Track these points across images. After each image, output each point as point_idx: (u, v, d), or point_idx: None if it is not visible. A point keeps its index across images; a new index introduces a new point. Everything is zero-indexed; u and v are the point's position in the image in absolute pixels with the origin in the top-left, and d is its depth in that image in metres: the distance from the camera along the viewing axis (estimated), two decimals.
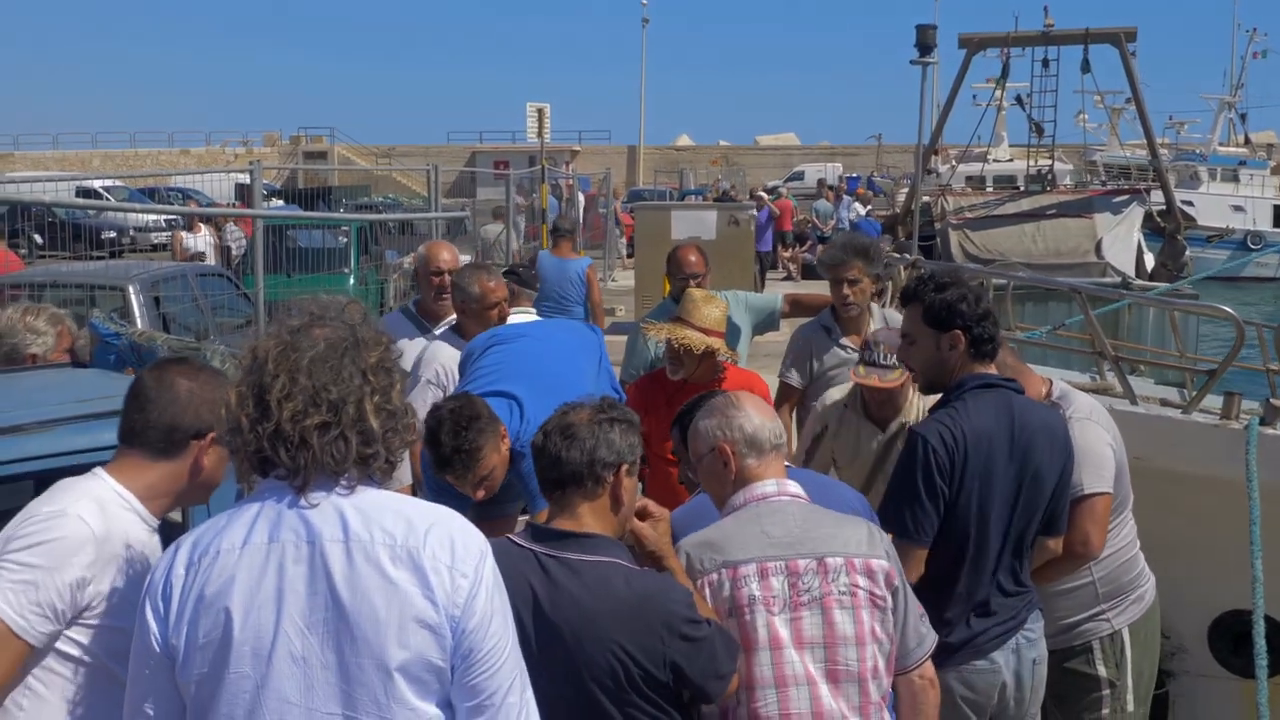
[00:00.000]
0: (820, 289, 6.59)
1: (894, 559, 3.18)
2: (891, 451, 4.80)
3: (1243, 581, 4.67)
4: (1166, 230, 29.33)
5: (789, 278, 26.07)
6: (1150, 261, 28.45)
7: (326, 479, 2.29)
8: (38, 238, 12.12)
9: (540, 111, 21.29)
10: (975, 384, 3.91)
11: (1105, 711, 4.36)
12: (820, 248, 19.41)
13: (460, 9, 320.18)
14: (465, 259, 7.39)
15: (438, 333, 5.92)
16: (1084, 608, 4.35)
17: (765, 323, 6.58)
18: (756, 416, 3.29)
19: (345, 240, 16.48)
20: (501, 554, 2.49)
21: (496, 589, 2.33)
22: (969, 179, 36.26)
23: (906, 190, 33.94)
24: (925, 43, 22.71)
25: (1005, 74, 33.42)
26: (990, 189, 34.76)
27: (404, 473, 4.77)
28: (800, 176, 55.87)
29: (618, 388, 4.99)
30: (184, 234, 19.19)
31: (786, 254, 27.31)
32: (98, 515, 2.61)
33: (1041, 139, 33.79)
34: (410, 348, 5.69)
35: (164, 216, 25.17)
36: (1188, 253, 29.61)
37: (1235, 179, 43.72)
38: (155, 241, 25.28)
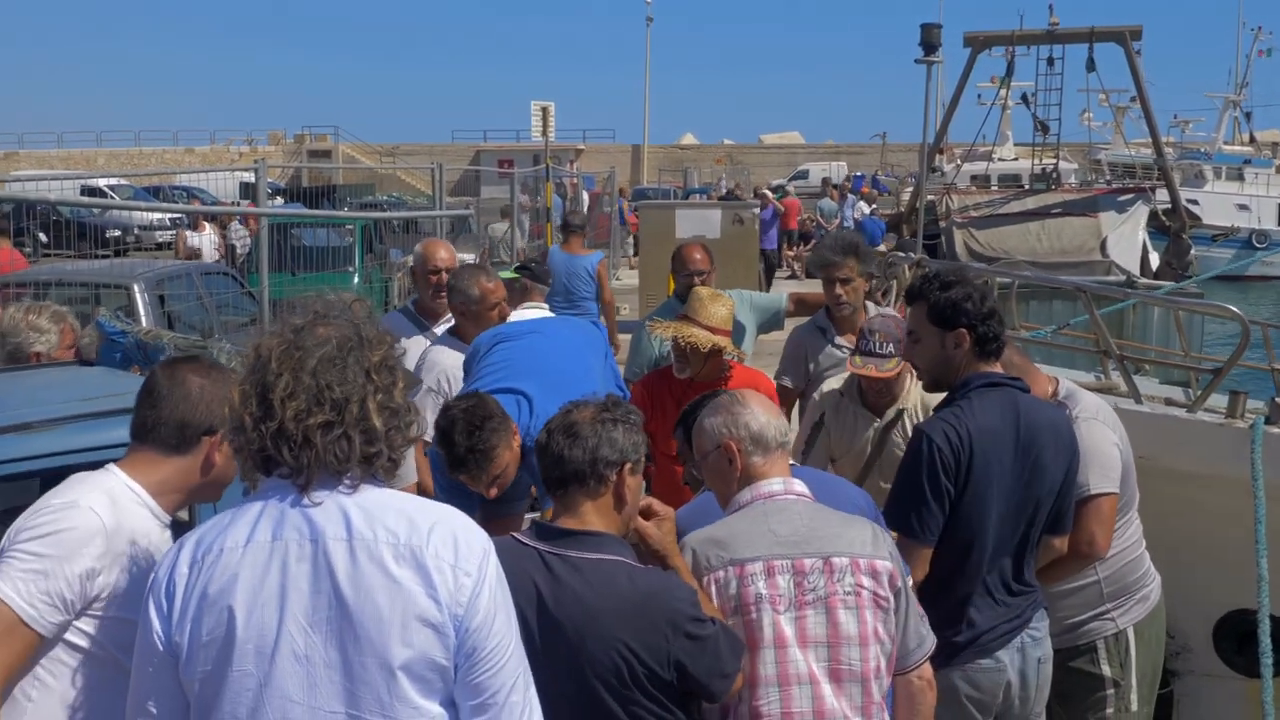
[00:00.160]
0: None
1: (897, 560, 3.18)
2: (887, 439, 4.80)
3: (1248, 580, 4.66)
4: (1171, 229, 29.24)
5: (793, 276, 26.09)
6: (1155, 260, 28.36)
7: (330, 478, 2.29)
8: (42, 236, 12.14)
9: (545, 110, 21.28)
10: (981, 383, 3.91)
11: (1109, 711, 4.36)
12: None
13: (465, 8, 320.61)
14: (469, 258, 7.40)
15: (437, 331, 5.92)
16: (1089, 607, 4.35)
17: (770, 322, 6.58)
18: (762, 414, 3.29)
19: (350, 239, 16.49)
20: (505, 552, 2.49)
21: (500, 587, 2.33)
22: (974, 178, 36.20)
23: (911, 189, 33.89)
24: (930, 42, 22.64)
25: (1010, 73, 33.34)
26: (995, 188, 34.70)
27: (409, 471, 4.78)
28: (805, 175, 55.83)
29: (622, 385, 4.99)
30: (188, 232, 19.24)
31: (791, 253, 27.34)
32: (109, 508, 2.63)
33: (1046, 138, 33.72)
34: (410, 346, 5.70)
35: (169, 215, 25.19)
36: (1193, 251, 29.52)
37: (1240, 178, 43.66)
38: (160, 240, 25.32)
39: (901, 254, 7.41)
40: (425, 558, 2.24)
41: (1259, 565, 4.60)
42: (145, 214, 26.19)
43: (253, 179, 10.83)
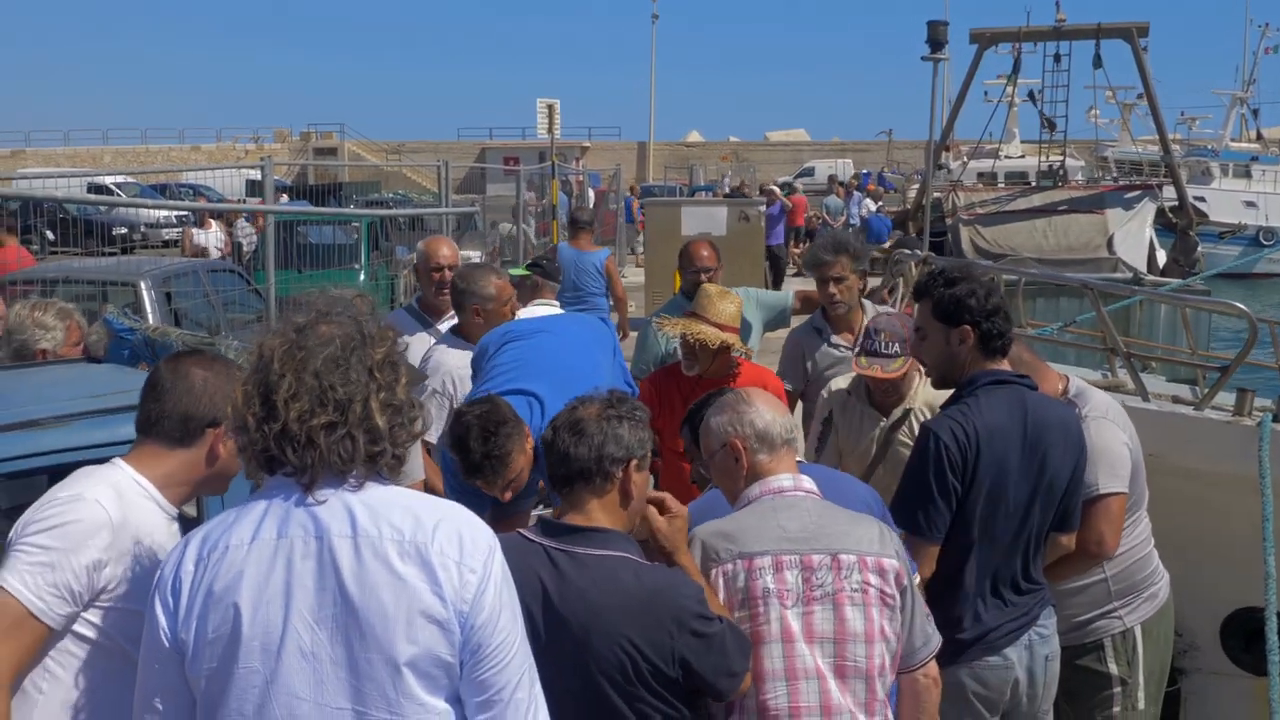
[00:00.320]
0: None
1: (904, 558, 3.19)
2: (894, 438, 4.80)
3: (1255, 578, 4.66)
4: (1178, 226, 29.19)
5: (799, 274, 26.06)
6: (1162, 257, 28.32)
7: (334, 477, 2.29)
8: (49, 234, 12.15)
9: (550, 108, 21.30)
10: (988, 380, 3.90)
11: (1116, 709, 4.35)
12: None
13: (470, 6, 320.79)
14: (474, 255, 7.39)
15: (441, 328, 5.92)
16: (1096, 605, 4.34)
17: (776, 320, 6.58)
18: (768, 412, 3.30)
19: (356, 236, 16.51)
20: (511, 548, 2.50)
21: (505, 584, 2.33)
22: (980, 175, 36.15)
23: (917, 186, 33.86)
24: (937, 39, 22.63)
25: (1016, 70, 33.27)
26: (1002, 185, 34.65)
27: (416, 468, 4.77)
28: (811, 173, 55.77)
29: (630, 381, 4.98)
30: (194, 230, 19.25)
31: (797, 250, 27.30)
32: (114, 501, 2.64)
33: (1053, 135, 33.67)
34: (415, 343, 5.70)
35: (175, 213, 25.20)
36: (1200, 248, 29.49)
37: (1247, 175, 43.52)
38: (166, 238, 25.33)
39: (908, 251, 7.39)
40: (430, 554, 2.24)
41: (1266, 563, 4.60)
42: (152, 212, 26.22)
43: (258, 176, 10.84)
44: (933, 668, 3.30)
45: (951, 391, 4.05)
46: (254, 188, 25.21)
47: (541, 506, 4.52)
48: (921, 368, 4.50)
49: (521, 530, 2.98)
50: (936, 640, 3.30)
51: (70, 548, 2.56)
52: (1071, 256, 25.87)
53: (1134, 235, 27.61)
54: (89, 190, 20.91)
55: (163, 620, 2.30)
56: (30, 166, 49.82)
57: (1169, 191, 30.00)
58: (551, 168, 20.90)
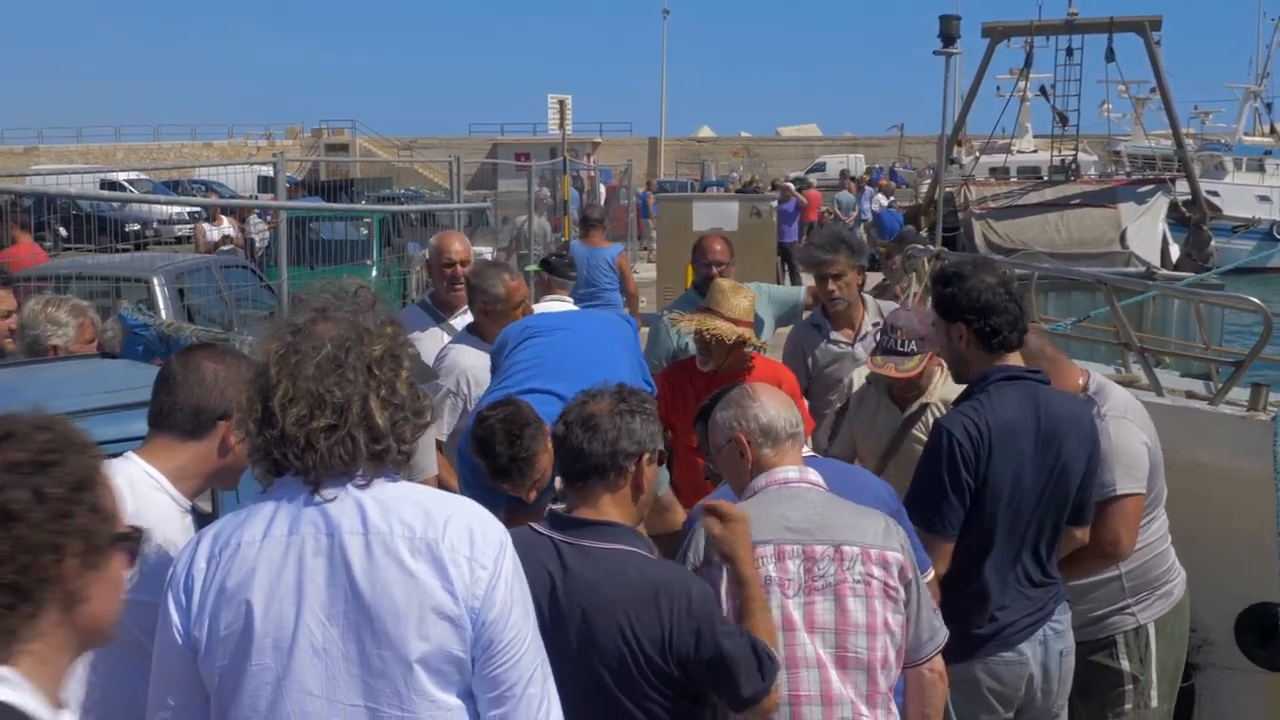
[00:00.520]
0: None
1: (909, 553, 3.19)
2: (908, 433, 4.79)
3: (1269, 574, 4.64)
4: (1192, 220, 29.14)
5: None
6: (1175, 252, 28.24)
7: (339, 477, 2.29)
8: (62, 230, 12.20)
9: (562, 103, 21.32)
10: (999, 376, 3.91)
11: (1128, 706, 4.34)
12: None
13: (480, 3, 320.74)
14: (486, 251, 7.41)
15: (454, 323, 5.92)
16: (1109, 601, 4.33)
17: (788, 315, 6.58)
18: (772, 407, 3.31)
19: (367, 232, 16.54)
20: (520, 541, 2.50)
21: (516, 579, 2.33)
22: (993, 170, 36.09)
23: (929, 180, 33.81)
24: (949, 33, 22.62)
25: (1029, 64, 33.23)
26: (1014, 180, 34.58)
27: (428, 464, 4.77)
28: (822, 168, 55.66)
29: (649, 379, 4.97)
30: (206, 226, 19.29)
31: None
32: (127, 493, 2.64)
33: (1065, 129, 33.60)
34: (428, 339, 5.70)
35: (188, 209, 25.27)
36: (1213, 243, 29.42)
37: (1261, 169, 43.37)
38: (179, 234, 25.38)
39: (920, 247, 7.38)
40: (441, 551, 2.24)
41: None
42: (164, 208, 26.30)
43: (270, 173, 10.86)
44: (938, 662, 3.30)
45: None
46: (265, 184, 25.28)
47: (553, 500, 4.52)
48: (943, 363, 4.50)
49: (532, 524, 2.99)
50: (943, 635, 3.30)
51: None
52: (1084, 251, 25.82)
53: (1147, 230, 27.56)
54: (101, 187, 20.99)
55: (175, 618, 2.30)
56: (43, 163, 49.97)
57: (1182, 186, 29.92)
58: (563, 163, 20.90)
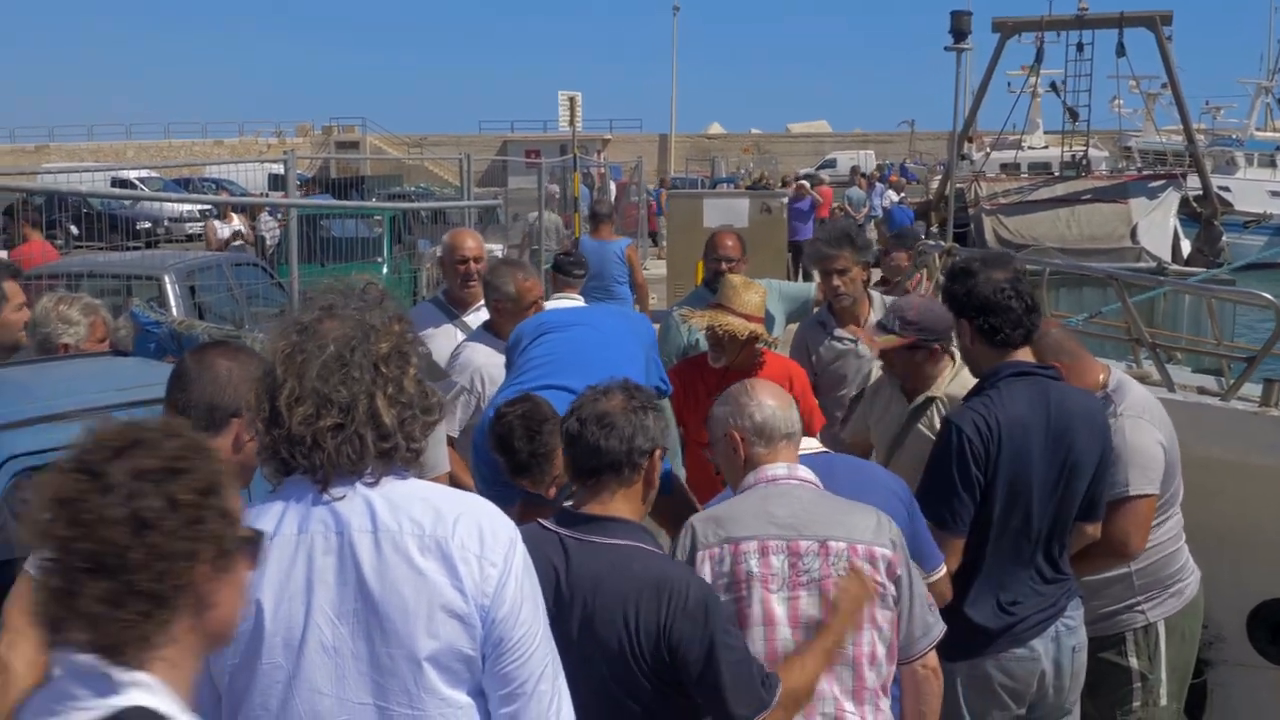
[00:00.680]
0: None
1: (902, 549, 3.19)
2: (913, 424, 4.79)
3: None
4: (1203, 216, 29.04)
5: None
6: (1186, 247, 28.18)
7: (347, 475, 2.28)
8: (74, 228, 12.26)
9: (572, 100, 21.32)
10: (1010, 372, 3.91)
11: (1136, 704, 4.31)
12: None
13: (490, 0, 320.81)
14: (497, 249, 7.42)
15: (468, 319, 5.93)
16: (1119, 599, 4.31)
17: (799, 311, 6.58)
18: (769, 406, 3.31)
19: (378, 229, 16.56)
20: (528, 537, 2.49)
21: (526, 577, 2.32)
22: (1003, 166, 36.02)
23: (940, 177, 33.77)
24: (960, 29, 22.63)
25: (1039, 59, 33.14)
26: (1025, 175, 34.53)
27: (440, 461, 4.77)
28: (833, 164, 55.63)
29: (664, 376, 4.96)
30: (217, 223, 19.31)
31: None
32: None
33: (1076, 125, 33.52)
34: (441, 335, 5.71)
35: (198, 207, 25.34)
36: (1224, 238, 29.32)
37: (1272, 164, 43.19)
38: (190, 232, 25.44)
39: (931, 243, 7.37)
40: (450, 548, 2.23)
41: None
42: (175, 206, 26.35)
43: (281, 170, 10.87)
44: (932, 658, 3.31)
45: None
46: (276, 182, 25.29)
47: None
48: (955, 358, 4.50)
49: (540, 520, 3.00)
50: (939, 630, 3.30)
51: None
52: (1095, 246, 25.79)
53: (1158, 225, 27.51)
54: (112, 185, 21.00)
55: None
56: (54, 162, 50.08)
57: (1193, 181, 29.85)
58: (573, 160, 20.89)
